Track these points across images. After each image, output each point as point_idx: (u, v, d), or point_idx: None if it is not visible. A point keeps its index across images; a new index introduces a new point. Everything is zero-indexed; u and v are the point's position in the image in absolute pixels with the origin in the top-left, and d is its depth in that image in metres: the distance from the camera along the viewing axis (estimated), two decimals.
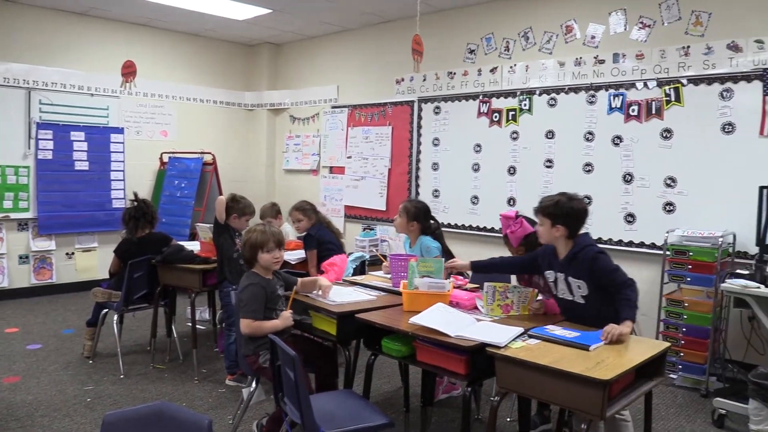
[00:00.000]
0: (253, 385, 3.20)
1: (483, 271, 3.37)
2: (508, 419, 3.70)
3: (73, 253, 6.95)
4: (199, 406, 3.91)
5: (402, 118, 6.72)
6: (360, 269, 4.69)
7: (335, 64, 7.55)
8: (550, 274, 3.01)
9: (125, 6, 6.49)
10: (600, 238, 5.16)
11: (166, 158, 7.51)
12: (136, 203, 4.67)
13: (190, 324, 4.59)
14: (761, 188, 3.89)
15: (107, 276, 4.83)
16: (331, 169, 7.59)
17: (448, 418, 3.79)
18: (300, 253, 5.05)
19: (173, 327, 4.85)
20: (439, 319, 2.74)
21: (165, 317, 4.88)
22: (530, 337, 2.60)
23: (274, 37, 7.89)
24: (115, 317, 4.54)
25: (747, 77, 4.48)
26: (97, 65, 6.97)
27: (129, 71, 6.93)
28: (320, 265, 4.65)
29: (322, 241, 4.71)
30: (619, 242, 5.07)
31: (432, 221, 4.10)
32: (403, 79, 6.74)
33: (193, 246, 4.82)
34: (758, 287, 3.56)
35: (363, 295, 3.40)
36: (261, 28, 7.33)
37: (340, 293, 3.37)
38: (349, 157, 7.29)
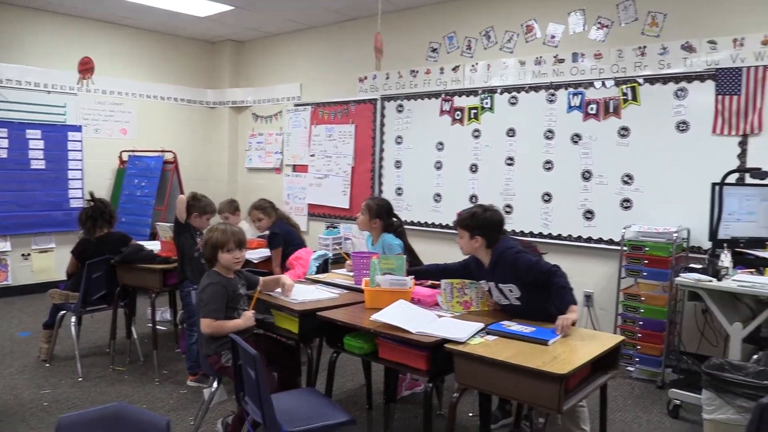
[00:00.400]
0: (215, 385, 3.18)
1: (418, 276, 3.45)
2: (470, 414, 3.74)
3: (29, 254, 6.78)
4: (159, 407, 3.86)
5: (365, 117, 6.73)
6: (323, 267, 4.69)
7: (298, 62, 7.52)
8: (484, 284, 3.10)
9: (83, 1, 6.35)
10: (560, 234, 5.26)
11: (125, 157, 7.38)
12: (93, 203, 4.59)
13: (150, 325, 4.53)
14: (713, 185, 3.99)
15: (65, 277, 4.73)
16: (295, 168, 7.55)
17: (411, 415, 3.82)
18: (263, 252, 5.03)
19: (133, 328, 4.78)
20: (401, 315, 2.76)
21: (125, 318, 4.81)
22: (488, 333, 2.64)
23: (236, 34, 7.82)
24: (73, 319, 4.44)
25: (700, 77, 4.60)
26: (55, 62, 6.80)
27: (86, 68, 6.79)
28: (285, 262, 4.64)
29: (287, 239, 4.70)
30: (579, 238, 5.17)
31: (394, 219, 4.12)
32: (366, 78, 6.74)
33: (154, 245, 4.75)
34: (710, 281, 3.66)
35: (325, 293, 3.40)
36: (223, 25, 7.25)
37: (302, 291, 3.37)
38: (313, 156, 7.27)
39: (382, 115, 6.57)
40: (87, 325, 5.25)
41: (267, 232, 4.84)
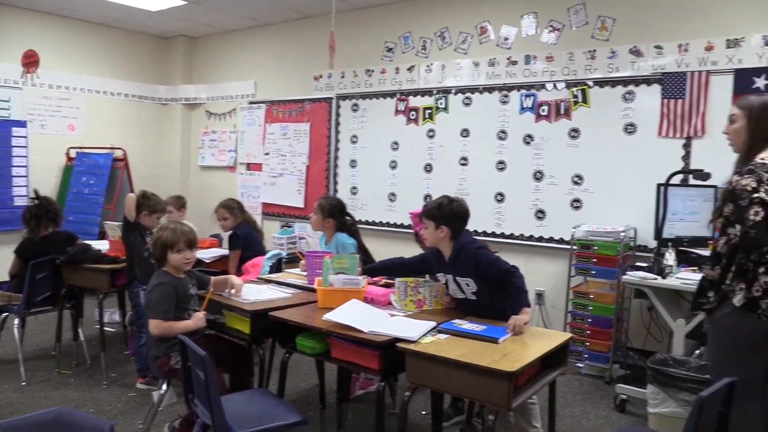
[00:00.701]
0: (164, 387, 3.12)
1: (373, 274, 3.46)
2: (423, 413, 3.76)
3: None
4: (107, 411, 3.77)
5: (320, 115, 6.70)
6: (276, 267, 4.65)
7: (253, 59, 7.43)
8: (441, 277, 3.12)
9: None
10: (512, 234, 5.34)
11: (73, 153, 7.16)
12: (37, 201, 4.44)
13: (98, 326, 4.41)
14: (659, 185, 4.11)
15: (7, 278, 4.56)
16: (249, 166, 7.46)
17: (364, 414, 3.82)
18: (216, 251, 4.96)
19: (80, 330, 4.63)
20: (353, 315, 2.76)
21: (71, 320, 4.67)
22: (440, 332, 2.66)
23: (189, 29, 7.68)
24: (16, 321, 4.29)
25: (647, 80, 4.73)
26: None
27: (30, 61, 6.57)
28: (242, 266, 4.59)
29: (248, 243, 4.65)
30: (531, 237, 5.25)
31: (347, 217, 4.12)
32: (321, 76, 6.72)
33: (102, 245, 4.63)
34: (655, 279, 3.77)
35: (277, 293, 3.37)
36: (175, 19, 7.11)
37: (254, 291, 3.33)
38: (267, 154, 7.20)
39: (338, 114, 6.56)
40: (31, 328, 5.09)
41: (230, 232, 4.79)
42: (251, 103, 7.41)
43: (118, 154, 7.03)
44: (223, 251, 4.99)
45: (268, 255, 4.59)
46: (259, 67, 7.37)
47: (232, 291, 3.26)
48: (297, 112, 6.93)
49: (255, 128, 7.36)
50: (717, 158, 4.36)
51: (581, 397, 4.19)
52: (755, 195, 2.38)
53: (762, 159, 2.48)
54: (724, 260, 2.51)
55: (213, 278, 3.34)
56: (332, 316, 2.74)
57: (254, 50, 7.42)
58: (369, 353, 2.62)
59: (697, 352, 4.03)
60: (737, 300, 2.46)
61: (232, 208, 4.79)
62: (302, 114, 6.88)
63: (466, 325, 2.71)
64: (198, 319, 3.03)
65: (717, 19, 4.47)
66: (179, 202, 4.98)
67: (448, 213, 3.01)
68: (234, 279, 3.33)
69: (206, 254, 4.83)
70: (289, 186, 6.99)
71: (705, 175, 4.02)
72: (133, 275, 4.07)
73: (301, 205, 6.85)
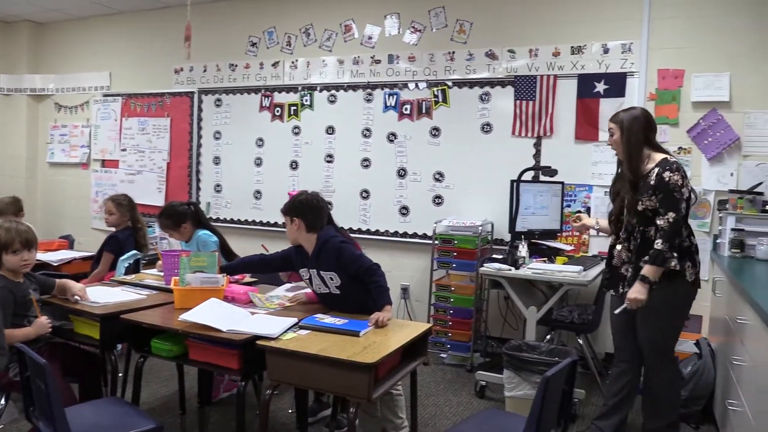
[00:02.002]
0: (2, 402, 2.85)
1: (233, 272, 3.40)
2: (290, 411, 3.73)
3: None
4: None
5: (181, 110, 6.44)
6: (133, 268, 4.41)
7: (108, 48, 6.98)
8: (304, 272, 3.12)
9: None
10: (378, 230, 5.43)
11: None
12: None
13: None
14: (512, 182, 4.35)
15: None
16: (104, 163, 7.02)
17: (229, 417, 3.71)
18: (65, 254, 4.63)
19: None
20: (212, 314, 2.68)
21: None
22: (301, 327, 2.64)
23: (35, 14, 7.07)
24: None
25: (502, 83, 4.99)
26: None
27: None
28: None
29: (126, 249, 4.35)
30: (395, 233, 5.36)
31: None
32: (182, 69, 6.45)
33: None
34: (509, 269, 3.98)
35: (131, 294, 3.19)
36: (18, 3, 6.53)
37: (104, 294, 3.13)
38: (124, 150, 6.81)
39: (200, 109, 6.34)
40: None
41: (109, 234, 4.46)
42: (106, 95, 6.97)
43: None
44: (73, 254, 4.66)
45: (124, 256, 4.35)
46: (114, 58, 6.94)
47: (75, 297, 3.02)
48: (156, 106, 6.62)
49: (110, 122, 6.93)
50: (563, 156, 4.75)
51: (444, 386, 4.34)
52: (683, 189, 2.95)
53: (671, 158, 3.06)
54: (667, 255, 2.95)
55: (59, 282, 3.10)
56: (189, 316, 2.64)
57: (109, 39, 6.97)
58: (228, 353, 2.55)
59: (548, 336, 4.32)
60: (688, 275, 2.99)
61: (120, 204, 4.46)
62: (162, 108, 6.58)
63: (327, 319, 2.72)
64: (40, 325, 2.80)
65: (563, 27, 4.80)
66: (15, 206, 4.53)
67: (298, 206, 3.06)
68: (70, 283, 3.08)
69: (54, 257, 4.50)
70: (148, 184, 6.65)
71: (552, 172, 4.30)
72: None
73: (162, 204, 6.52)
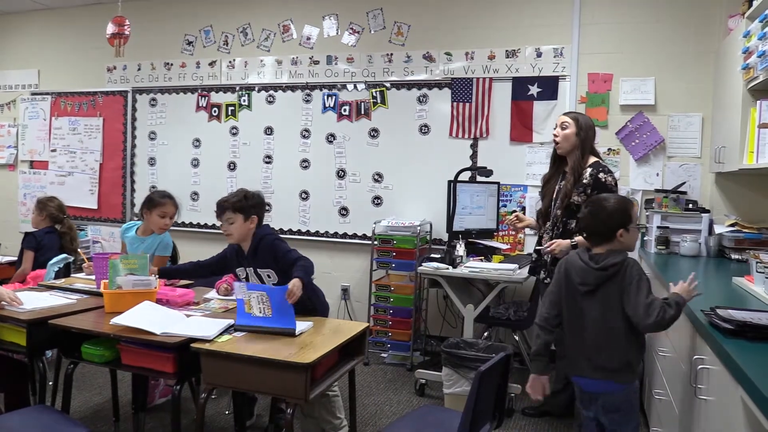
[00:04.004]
0: None
1: (170, 276, 3.36)
2: (227, 412, 3.68)
3: None
4: None
5: (115, 109, 6.26)
6: (64, 272, 4.27)
7: (36, 45, 6.72)
8: (240, 271, 3.10)
9: None
10: (318, 231, 5.42)
11: None
12: None
13: None
14: (449, 182, 4.41)
15: None
16: (32, 164, 6.75)
17: (165, 422, 3.63)
18: None
19: None
20: (145, 317, 2.61)
21: None
22: (237, 329, 2.61)
23: None
24: None
25: (439, 85, 5.06)
26: None
27: None
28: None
29: (45, 247, 4.19)
30: (335, 234, 5.37)
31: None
32: (115, 68, 6.28)
33: None
34: (447, 268, 4.04)
35: (60, 299, 3.08)
36: None
37: (32, 299, 3.01)
38: (54, 151, 6.57)
39: (134, 109, 6.18)
40: None
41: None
42: (34, 94, 6.70)
43: None
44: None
45: (54, 260, 4.20)
46: (43, 55, 6.68)
47: (2, 303, 2.89)
48: (88, 106, 6.41)
49: (39, 122, 6.67)
50: (499, 157, 4.85)
51: (384, 385, 4.37)
52: (615, 189, 3.28)
53: (601, 161, 3.40)
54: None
55: None
56: (121, 319, 2.57)
57: (37, 36, 6.71)
58: (162, 356, 2.50)
59: (486, 334, 4.41)
60: None
61: (41, 205, 4.38)
62: (94, 108, 6.37)
63: (254, 310, 2.63)
64: None
65: (498, 31, 4.91)
66: None
67: (256, 201, 3.03)
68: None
69: None
70: (80, 186, 6.43)
71: (488, 172, 4.39)
72: None
73: (95, 206, 6.34)
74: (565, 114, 3.51)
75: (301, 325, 2.65)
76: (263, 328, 2.60)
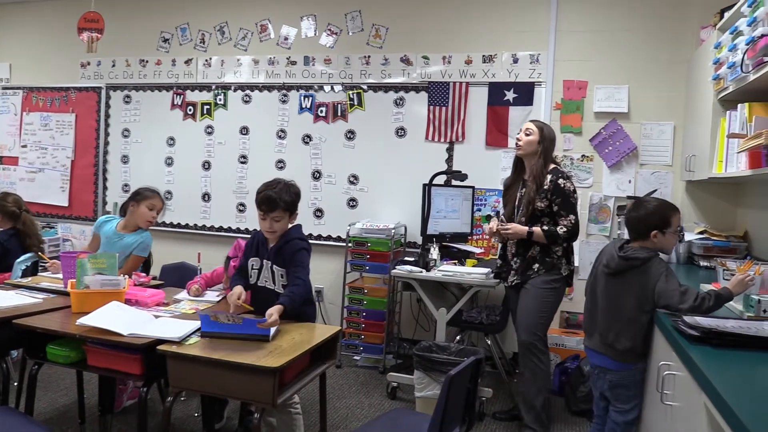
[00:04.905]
0: None
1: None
2: (196, 415, 3.64)
3: None
4: None
5: (88, 106, 6.16)
6: (32, 271, 4.18)
7: (7, 39, 6.58)
8: (255, 261, 3.01)
9: None
10: None
11: None
12: None
13: None
14: (425, 186, 4.42)
15: None
16: (2, 160, 6.61)
17: (132, 425, 3.57)
18: None
19: None
20: (112, 318, 2.57)
21: None
22: (203, 335, 2.55)
23: None
24: None
25: (416, 88, 5.07)
26: None
27: None
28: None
29: (5, 250, 4.08)
30: (309, 236, 5.33)
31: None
32: (89, 63, 6.18)
33: None
34: (421, 272, 4.05)
35: (26, 298, 3.02)
36: None
37: None
38: (24, 147, 6.45)
39: (107, 106, 6.09)
40: None
41: None
42: (5, 88, 6.57)
43: None
44: None
45: (21, 258, 4.12)
46: (14, 49, 6.56)
47: None
48: (61, 102, 6.30)
49: (10, 117, 6.54)
50: (474, 161, 4.87)
51: (356, 388, 4.35)
52: (575, 194, 3.43)
53: (560, 167, 3.52)
54: (561, 241, 3.45)
55: None
56: (88, 320, 2.53)
57: (9, 29, 6.57)
58: (129, 358, 2.46)
59: (458, 337, 4.41)
60: (563, 270, 3.48)
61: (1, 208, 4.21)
62: (67, 103, 6.27)
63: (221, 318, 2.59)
64: None
65: (475, 36, 4.93)
66: None
67: (297, 198, 3.00)
68: None
69: None
70: (51, 183, 6.33)
71: (463, 176, 4.40)
72: None
73: (65, 204, 6.24)
74: (531, 121, 3.61)
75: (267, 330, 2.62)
76: (232, 335, 2.52)
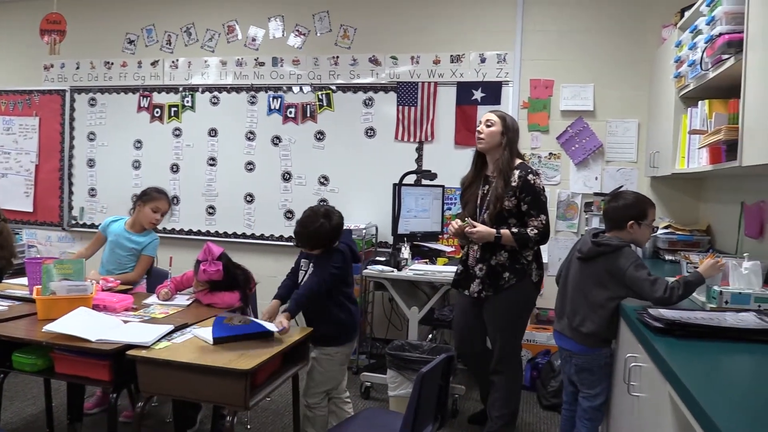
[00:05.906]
0: None
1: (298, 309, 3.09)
2: (168, 420, 3.60)
3: None
4: None
5: (52, 109, 6.05)
6: None
7: None
8: (305, 263, 3.17)
9: None
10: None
11: None
12: None
13: None
14: (395, 185, 4.43)
15: None
16: None
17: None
18: None
19: None
20: (80, 324, 2.53)
21: None
22: (216, 342, 2.51)
23: None
24: None
25: (385, 88, 5.08)
26: None
27: None
28: None
29: None
30: (281, 237, 5.32)
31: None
32: (52, 66, 6.07)
33: None
34: (392, 271, 4.06)
35: None
36: None
37: None
38: None
39: (72, 109, 5.98)
40: None
41: None
42: None
43: None
44: None
45: None
46: None
47: None
48: (23, 105, 6.18)
49: None
50: (443, 161, 4.90)
51: None
52: (545, 192, 3.19)
53: (527, 162, 3.32)
54: (532, 245, 3.20)
55: None
56: (55, 326, 2.48)
57: None
58: (98, 364, 2.42)
59: (430, 336, 4.44)
60: (534, 276, 3.23)
61: None
62: (30, 107, 6.15)
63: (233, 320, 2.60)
64: None
65: (443, 36, 4.96)
66: None
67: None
68: None
69: None
70: (14, 188, 6.19)
71: (432, 176, 4.43)
72: None
73: (30, 209, 6.11)
74: (491, 112, 3.31)
75: (270, 326, 2.63)
76: (241, 336, 2.55)
